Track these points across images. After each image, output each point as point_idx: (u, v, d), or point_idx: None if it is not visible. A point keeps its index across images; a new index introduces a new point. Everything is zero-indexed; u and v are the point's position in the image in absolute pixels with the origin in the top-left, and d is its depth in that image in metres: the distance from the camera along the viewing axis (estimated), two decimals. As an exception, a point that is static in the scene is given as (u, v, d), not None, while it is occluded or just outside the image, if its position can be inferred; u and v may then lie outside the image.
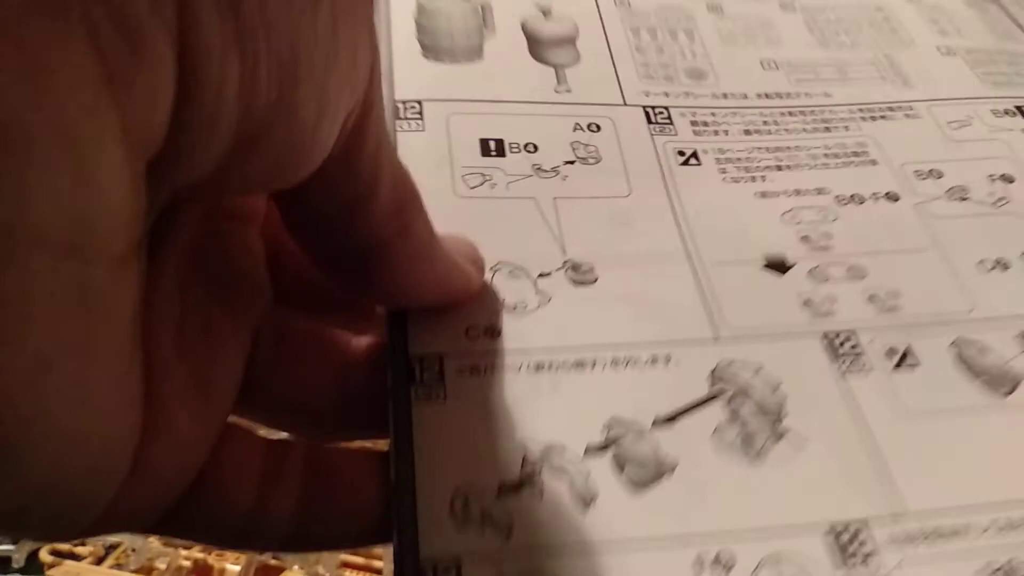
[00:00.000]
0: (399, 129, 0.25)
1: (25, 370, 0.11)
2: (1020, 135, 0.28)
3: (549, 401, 0.21)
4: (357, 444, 0.22)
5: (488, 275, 0.23)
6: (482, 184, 0.24)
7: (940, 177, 0.26)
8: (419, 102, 0.25)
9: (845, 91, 0.28)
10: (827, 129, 0.27)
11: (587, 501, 0.19)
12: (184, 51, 0.12)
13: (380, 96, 0.16)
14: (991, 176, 0.26)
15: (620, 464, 0.20)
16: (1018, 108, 0.28)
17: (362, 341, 0.22)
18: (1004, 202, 0.26)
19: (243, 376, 0.19)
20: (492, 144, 0.25)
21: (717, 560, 0.19)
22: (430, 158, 0.24)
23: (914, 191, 0.26)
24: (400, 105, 0.25)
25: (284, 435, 0.22)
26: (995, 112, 0.28)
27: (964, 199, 0.26)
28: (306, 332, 0.21)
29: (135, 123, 0.12)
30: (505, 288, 0.23)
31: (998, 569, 0.19)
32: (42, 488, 0.12)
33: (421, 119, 0.25)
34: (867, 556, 0.19)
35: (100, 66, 0.11)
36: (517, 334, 0.22)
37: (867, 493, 0.20)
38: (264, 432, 0.21)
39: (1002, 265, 0.24)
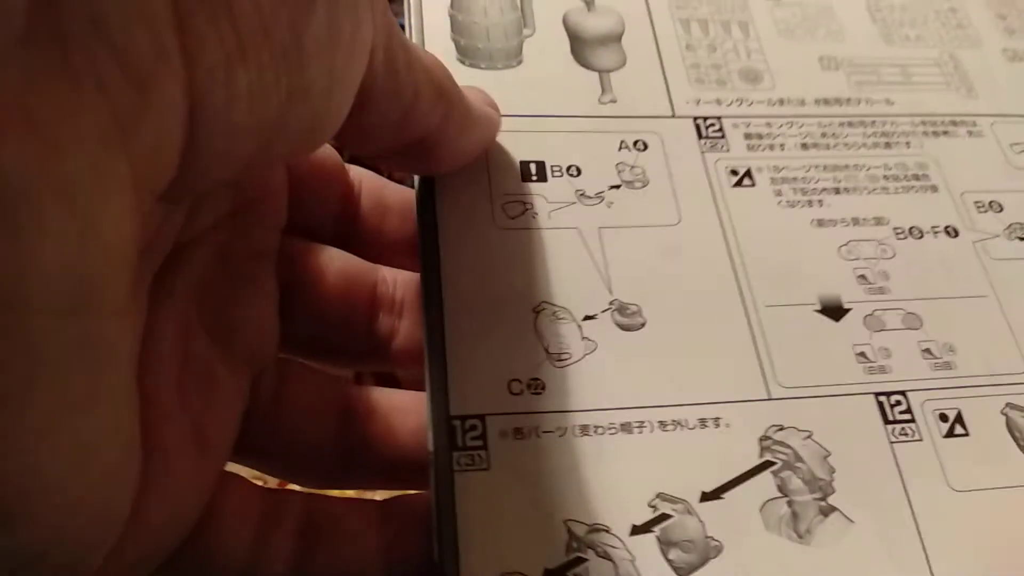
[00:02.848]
0: None
1: (24, 436, 0.11)
2: (1086, 160, 0.26)
3: (595, 470, 0.20)
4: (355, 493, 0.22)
5: (531, 318, 0.22)
6: (523, 214, 0.23)
7: (1000, 211, 0.25)
8: None
9: (908, 98, 0.27)
10: (887, 145, 0.26)
11: (633, 589, 0.19)
12: (191, 80, 0.11)
13: (394, 22, 0.17)
14: (1051, 212, 0.25)
15: (666, 546, 0.19)
16: (1084, 127, 0.27)
17: (363, 388, 0.22)
18: (1065, 242, 0.25)
19: (241, 422, 0.19)
20: (533, 167, 0.23)
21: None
22: (469, 185, 0.23)
23: (973, 226, 0.25)
24: None
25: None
26: (1060, 132, 0.27)
27: (1023, 239, 0.25)
28: (306, 378, 0.21)
29: (144, 165, 0.11)
30: (549, 334, 0.22)
31: None
32: (36, 552, 0.12)
33: None
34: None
35: (107, 115, 0.11)
36: (562, 390, 0.21)
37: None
38: (260, 478, 0.21)
39: (1059, 317, 0.23)
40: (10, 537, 0.11)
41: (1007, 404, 0.22)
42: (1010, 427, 0.22)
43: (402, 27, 0.24)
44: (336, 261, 0.22)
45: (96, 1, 0.10)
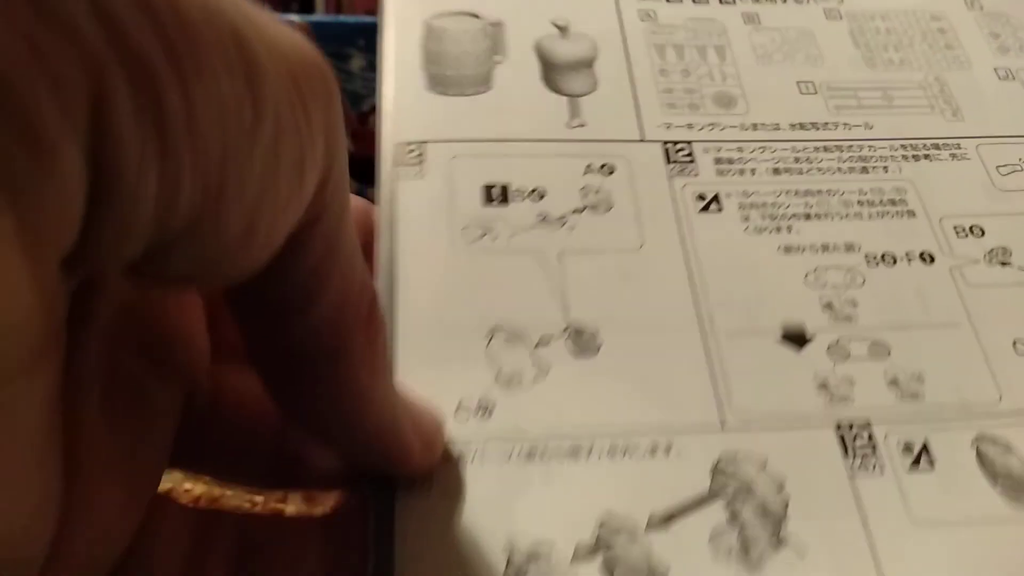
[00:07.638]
0: (399, 177, 0.23)
1: None
2: (1076, 183, 0.25)
3: (540, 494, 0.20)
4: (294, 510, 0.21)
5: (484, 342, 0.22)
6: (482, 237, 0.23)
7: (981, 236, 0.24)
8: (421, 143, 0.24)
9: (888, 122, 0.26)
10: (864, 170, 0.25)
11: (571, 615, 0.19)
12: (97, 162, 0.11)
13: (336, 206, 0.15)
14: (1038, 236, 0.24)
15: (610, 570, 0.19)
16: (1077, 149, 0.26)
17: None
18: (1050, 268, 0.24)
19: (174, 440, 0.18)
20: (495, 191, 0.23)
21: None
22: (429, 209, 0.23)
23: (952, 252, 0.24)
24: (402, 147, 0.24)
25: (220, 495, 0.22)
26: (1051, 154, 0.26)
27: (1005, 264, 0.24)
28: (242, 386, 0.20)
29: (42, 231, 0.11)
30: (501, 357, 0.22)
31: None
32: None
33: (421, 164, 0.23)
34: None
35: None
36: (510, 414, 0.21)
37: None
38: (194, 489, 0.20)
39: (1039, 346, 0.23)
40: None
41: (979, 436, 0.21)
42: (981, 460, 0.21)
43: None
44: None
45: None
